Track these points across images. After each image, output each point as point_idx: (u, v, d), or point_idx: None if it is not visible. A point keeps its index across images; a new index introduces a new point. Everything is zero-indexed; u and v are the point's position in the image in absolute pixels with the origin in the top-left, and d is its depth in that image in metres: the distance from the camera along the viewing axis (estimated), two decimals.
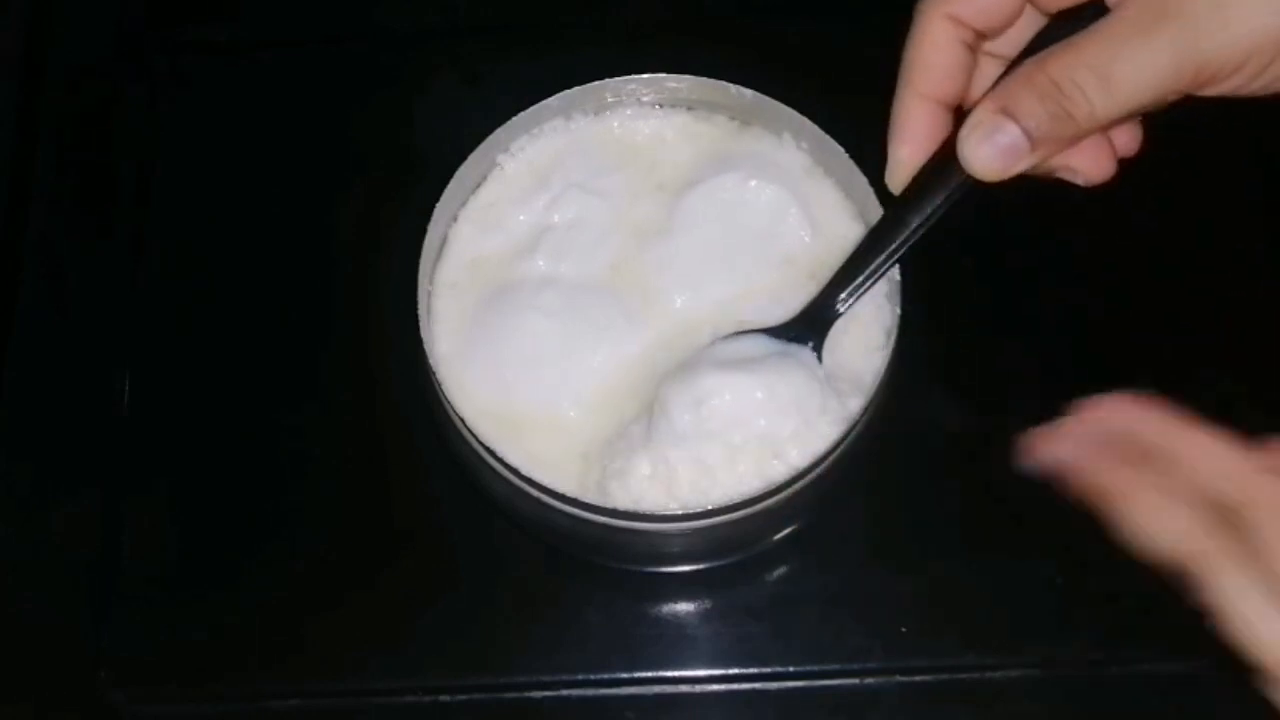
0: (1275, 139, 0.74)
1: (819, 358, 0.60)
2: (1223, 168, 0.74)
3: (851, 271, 0.59)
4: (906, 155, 0.55)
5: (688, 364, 0.60)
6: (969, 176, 0.52)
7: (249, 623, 0.67)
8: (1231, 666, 0.65)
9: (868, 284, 0.59)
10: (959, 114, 0.54)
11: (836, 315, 0.59)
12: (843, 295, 0.59)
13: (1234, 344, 0.71)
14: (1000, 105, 0.50)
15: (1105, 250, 0.73)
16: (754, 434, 0.58)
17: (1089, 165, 0.53)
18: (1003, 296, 0.72)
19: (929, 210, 0.55)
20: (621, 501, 0.58)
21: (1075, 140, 0.51)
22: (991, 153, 0.51)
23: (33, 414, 0.72)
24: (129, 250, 0.74)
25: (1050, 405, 0.69)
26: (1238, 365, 0.70)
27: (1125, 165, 0.54)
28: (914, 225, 0.56)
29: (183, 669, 0.67)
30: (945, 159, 0.53)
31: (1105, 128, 0.51)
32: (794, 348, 0.60)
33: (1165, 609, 0.66)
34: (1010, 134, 0.50)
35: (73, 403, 0.72)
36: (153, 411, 0.71)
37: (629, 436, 0.60)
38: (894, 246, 0.57)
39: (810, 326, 0.60)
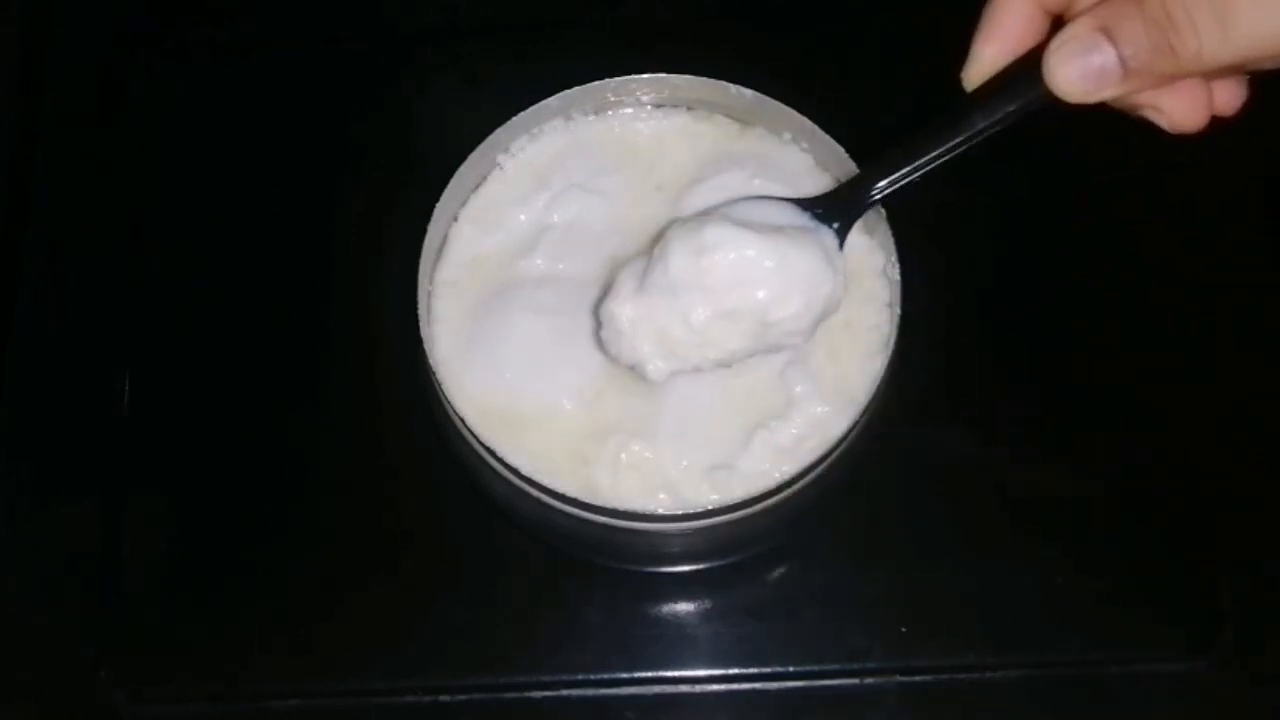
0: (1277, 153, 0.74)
1: (840, 244, 0.56)
2: (1227, 184, 0.74)
3: (896, 160, 0.55)
4: (990, 54, 0.51)
5: (703, 213, 0.57)
6: (1049, 93, 0.49)
7: (249, 623, 0.67)
8: (1231, 666, 0.65)
9: (909, 177, 0.55)
10: (1057, 24, 0.49)
11: (870, 202, 0.56)
12: (881, 183, 0.55)
13: (1234, 349, 0.71)
14: (1101, 23, 0.47)
15: (1104, 250, 0.73)
16: (749, 303, 0.54)
17: (1180, 110, 0.49)
18: (1002, 298, 0.72)
19: (996, 116, 0.51)
20: (620, 351, 0.56)
21: (1172, 80, 0.47)
22: (1079, 72, 0.47)
23: (33, 414, 0.72)
24: (129, 250, 0.74)
25: (1050, 405, 0.70)
26: (1237, 371, 0.70)
27: (1215, 124, 0.50)
28: (976, 128, 0.52)
29: (183, 669, 0.67)
30: (1028, 67, 0.49)
31: (1209, 73, 0.47)
32: (817, 226, 0.56)
33: (1165, 609, 0.67)
34: (1104, 56, 0.47)
35: (73, 403, 0.72)
36: (153, 411, 0.71)
37: (623, 277, 0.57)
38: (949, 145, 0.53)
39: (838, 208, 0.56)
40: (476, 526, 0.67)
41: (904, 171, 0.55)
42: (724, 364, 0.57)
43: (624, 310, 0.56)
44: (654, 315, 0.55)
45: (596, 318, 0.57)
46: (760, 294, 0.54)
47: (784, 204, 0.57)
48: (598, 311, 0.57)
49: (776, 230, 0.55)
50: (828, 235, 0.56)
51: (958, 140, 0.53)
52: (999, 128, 0.52)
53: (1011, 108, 0.51)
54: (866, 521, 0.67)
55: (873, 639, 0.65)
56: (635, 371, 0.57)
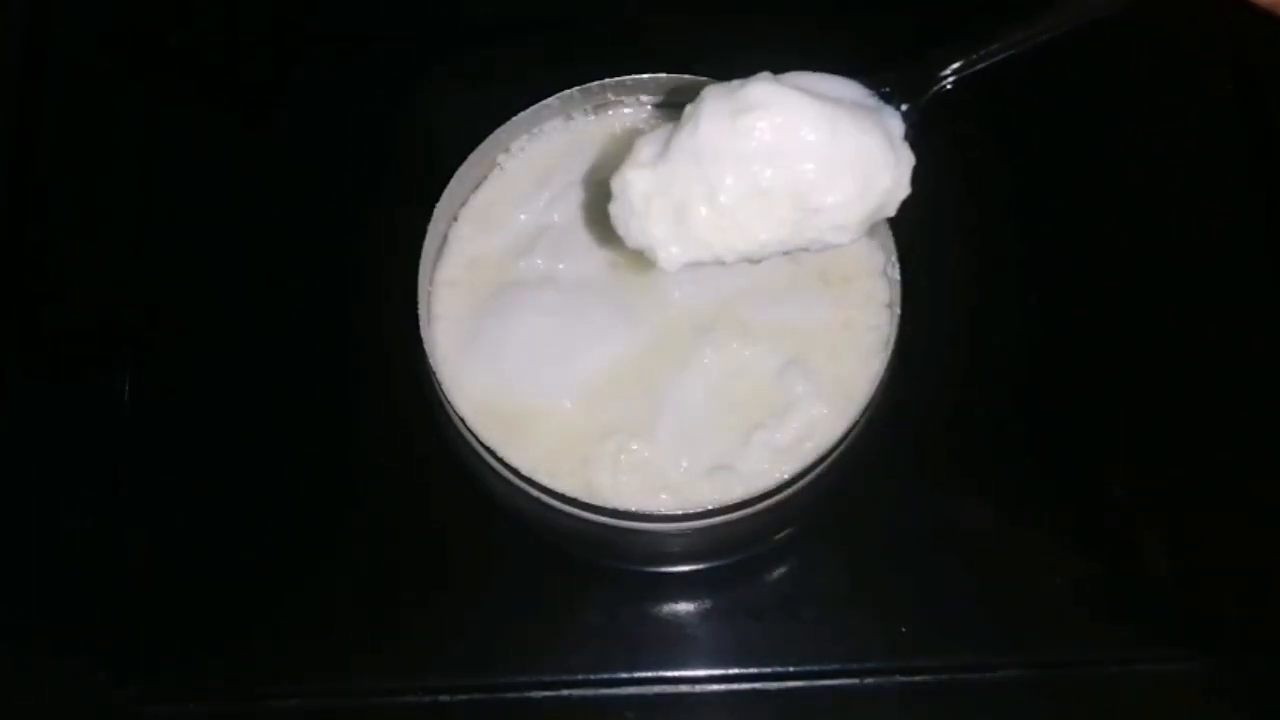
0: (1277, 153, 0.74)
1: (907, 132, 0.49)
2: (1230, 186, 0.74)
3: (978, 39, 0.49)
4: None
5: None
6: None
7: (249, 622, 0.67)
8: (1231, 666, 0.65)
9: (992, 59, 0.49)
10: None
11: (939, 85, 0.49)
12: (957, 64, 0.49)
13: (1234, 349, 0.71)
14: None
15: (1105, 248, 0.73)
16: (790, 180, 0.47)
17: None
18: (1002, 297, 0.72)
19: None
20: (629, 231, 0.50)
21: None
22: None
23: (33, 414, 0.72)
24: (129, 250, 0.74)
25: (1050, 404, 0.70)
26: (1238, 370, 0.70)
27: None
28: (1085, 8, 0.46)
29: (183, 669, 0.67)
30: None
31: None
32: (880, 105, 0.50)
33: (1165, 609, 0.67)
34: None
35: (73, 403, 0.72)
36: (153, 411, 0.71)
37: (643, 141, 0.50)
38: (1046, 24, 0.48)
39: (907, 88, 0.50)
40: (476, 526, 0.67)
41: (984, 52, 0.49)
42: (750, 258, 0.50)
43: (639, 180, 0.48)
44: (674, 188, 0.48)
45: (609, 187, 0.50)
46: (805, 169, 0.47)
47: (844, 79, 0.50)
48: (610, 180, 0.50)
49: (833, 101, 0.48)
50: (892, 117, 0.49)
51: (1053, 22, 0.47)
52: (1105, 13, 0.46)
53: None
54: (866, 521, 0.67)
55: (872, 639, 0.65)
56: (645, 256, 0.50)
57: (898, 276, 0.60)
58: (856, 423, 0.58)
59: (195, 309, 0.73)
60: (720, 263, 0.50)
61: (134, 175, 0.76)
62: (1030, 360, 0.71)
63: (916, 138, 0.51)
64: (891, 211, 0.50)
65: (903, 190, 0.49)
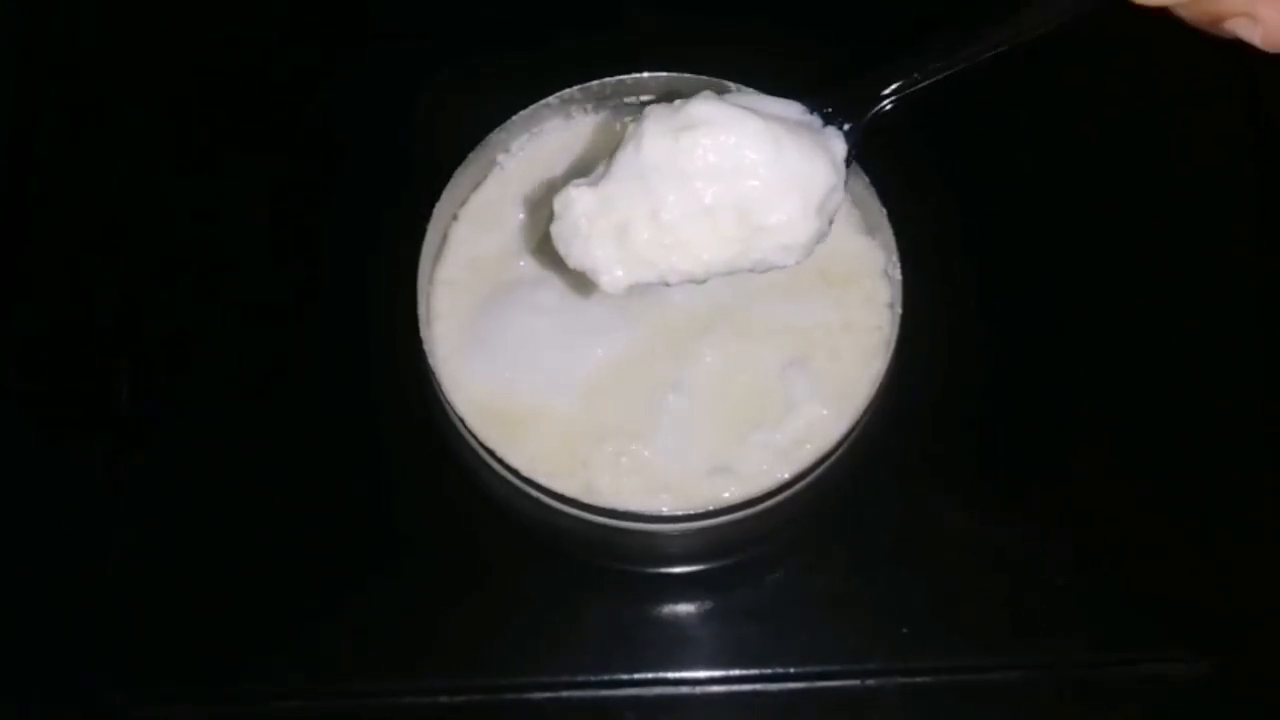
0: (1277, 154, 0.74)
1: (849, 152, 0.50)
2: (1232, 189, 0.74)
3: (919, 59, 0.49)
4: None
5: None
6: None
7: (249, 623, 0.67)
8: (1232, 668, 0.65)
9: (933, 79, 0.49)
10: None
11: (879, 104, 0.50)
12: (899, 83, 0.49)
13: (1235, 349, 0.71)
14: None
15: (1108, 247, 0.73)
16: (733, 199, 0.47)
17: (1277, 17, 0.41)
18: (1005, 298, 0.72)
19: (1050, 13, 0.46)
20: (571, 252, 0.50)
21: None
22: None
23: (33, 414, 0.72)
24: (128, 250, 0.74)
25: (1052, 404, 0.70)
26: (1237, 370, 0.70)
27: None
28: (1022, 28, 0.46)
29: (183, 669, 0.67)
30: None
31: None
32: (823, 125, 0.50)
33: (1165, 609, 0.67)
34: None
35: (73, 403, 0.72)
36: (153, 411, 0.71)
37: (594, 171, 0.50)
38: (988, 42, 0.47)
39: (848, 108, 0.50)
40: (476, 526, 0.67)
41: (925, 71, 0.49)
42: (695, 278, 0.50)
43: (581, 199, 0.48)
44: (617, 207, 0.48)
45: (550, 208, 0.50)
46: (748, 187, 0.47)
47: (785, 100, 0.50)
48: (552, 200, 0.50)
49: (774, 119, 0.48)
50: (835, 137, 0.50)
51: (995, 41, 0.47)
52: (1046, 30, 0.46)
53: (1066, 5, 0.46)
54: (867, 522, 0.67)
55: (873, 640, 0.65)
56: (589, 278, 0.50)
57: (899, 276, 0.60)
58: (857, 424, 0.58)
59: (195, 308, 0.73)
60: (664, 283, 0.50)
61: (133, 176, 0.76)
62: (1034, 361, 0.70)
63: (859, 156, 0.52)
64: (828, 234, 0.50)
65: (836, 203, 0.49)
